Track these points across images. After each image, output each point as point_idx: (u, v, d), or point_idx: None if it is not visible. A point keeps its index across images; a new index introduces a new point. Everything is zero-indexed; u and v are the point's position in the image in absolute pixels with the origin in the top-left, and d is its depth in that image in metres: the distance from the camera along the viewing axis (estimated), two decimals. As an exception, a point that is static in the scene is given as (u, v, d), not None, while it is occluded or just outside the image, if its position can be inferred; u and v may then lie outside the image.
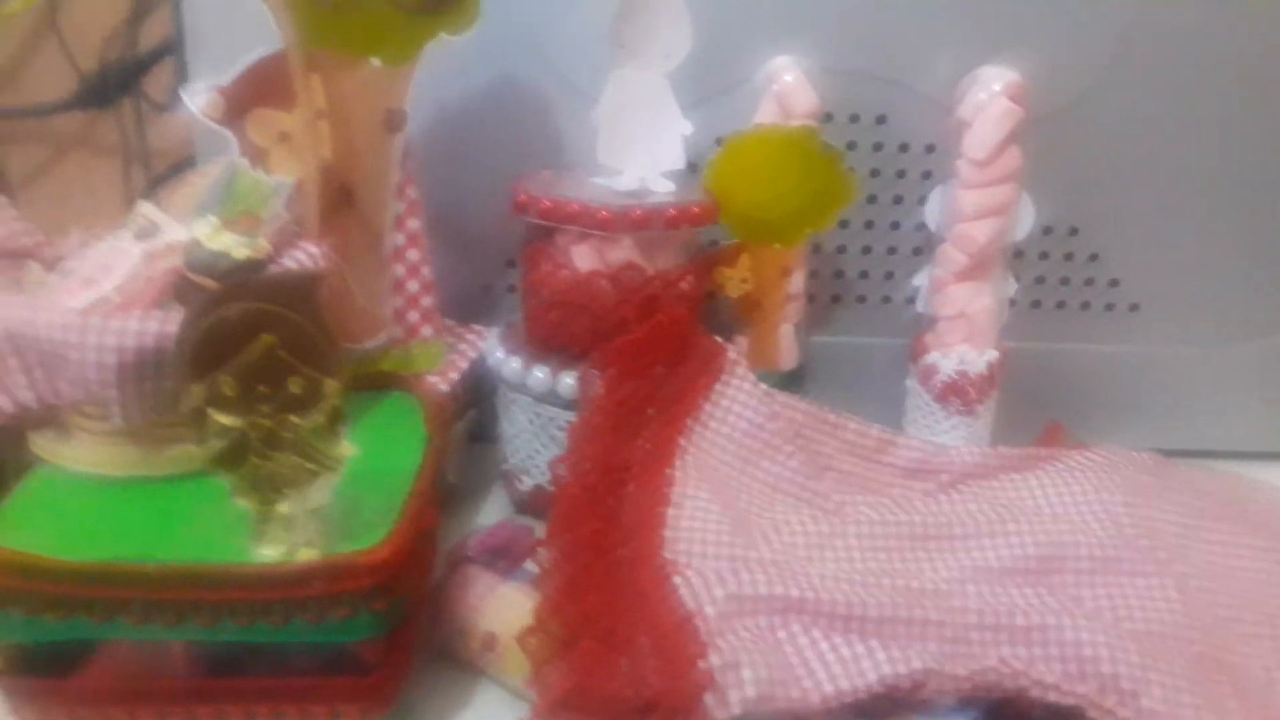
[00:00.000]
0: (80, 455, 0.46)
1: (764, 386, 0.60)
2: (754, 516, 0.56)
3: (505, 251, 0.72)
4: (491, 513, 0.68)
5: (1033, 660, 0.49)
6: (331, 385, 0.39)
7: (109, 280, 0.44)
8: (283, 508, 0.41)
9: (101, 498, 0.46)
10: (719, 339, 0.62)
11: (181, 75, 0.84)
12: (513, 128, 0.69)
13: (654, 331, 0.58)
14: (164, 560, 0.41)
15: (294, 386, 0.38)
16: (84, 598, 0.40)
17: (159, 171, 0.90)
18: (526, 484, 0.65)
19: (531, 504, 0.65)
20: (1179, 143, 0.69)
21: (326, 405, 0.39)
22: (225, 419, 0.38)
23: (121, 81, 0.89)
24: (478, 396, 0.68)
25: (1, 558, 0.41)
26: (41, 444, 0.47)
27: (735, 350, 0.61)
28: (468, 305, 0.72)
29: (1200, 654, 0.50)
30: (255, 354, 0.37)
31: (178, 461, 0.46)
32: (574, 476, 0.54)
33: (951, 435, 0.69)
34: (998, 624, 0.50)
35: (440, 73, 0.60)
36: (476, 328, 0.70)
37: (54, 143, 0.97)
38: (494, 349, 0.64)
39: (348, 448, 0.40)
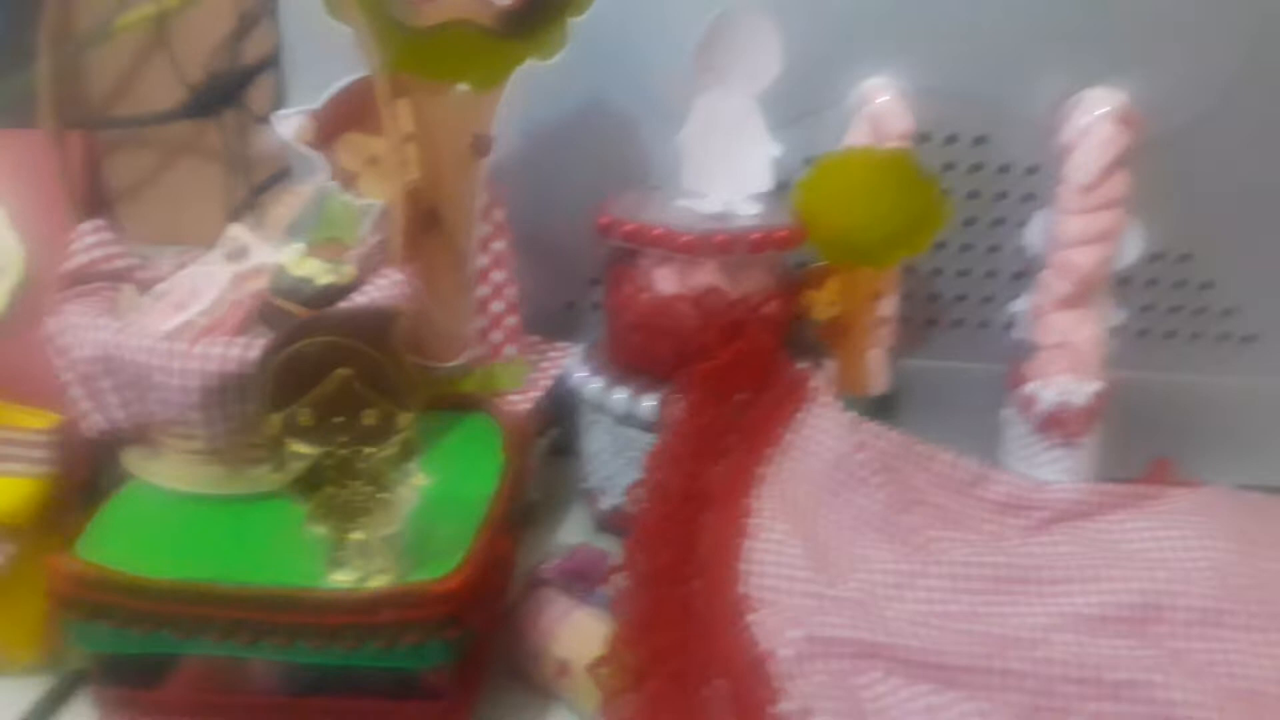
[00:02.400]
0: (168, 472, 0.48)
1: (851, 415, 0.59)
2: (834, 551, 0.54)
3: (590, 269, 0.72)
4: (573, 529, 0.67)
5: (1121, 718, 0.46)
6: (405, 417, 0.39)
7: (196, 304, 0.45)
8: (356, 535, 0.41)
9: (186, 514, 0.47)
10: (805, 364, 0.60)
11: (279, 90, 0.87)
12: (599, 148, 0.69)
13: (737, 357, 0.57)
14: (241, 581, 0.42)
15: (369, 418, 0.39)
16: (166, 614, 0.42)
17: (259, 180, 0.92)
18: (606, 503, 0.65)
19: (611, 523, 0.65)
20: (1303, 166, 0.66)
21: (400, 436, 0.39)
22: (302, 448, 0.39)
23: (225, 93, 0.91)
24: (561, 413, 0.68)
25: (91, 572, 0.42)
26: (133, 460, 0.48)
27: (819, 378, 0.59)
28: (552, 322, 0.72)
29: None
30: (331, 387, 0.38)
31: (260, 481, 0.47)
32: (651, 504, 0.54)
33: (1051, 468, 0.66)
34: (1085, 677, 0.47)
35: (526, 92, 0.60)
36: (561, 345, 0.70)
37: (162, 151, 1.00)
38: (576, 368, 0.64)
39: (420, 478, 0.41)
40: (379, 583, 0.42)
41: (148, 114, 0.95)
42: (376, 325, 0.38)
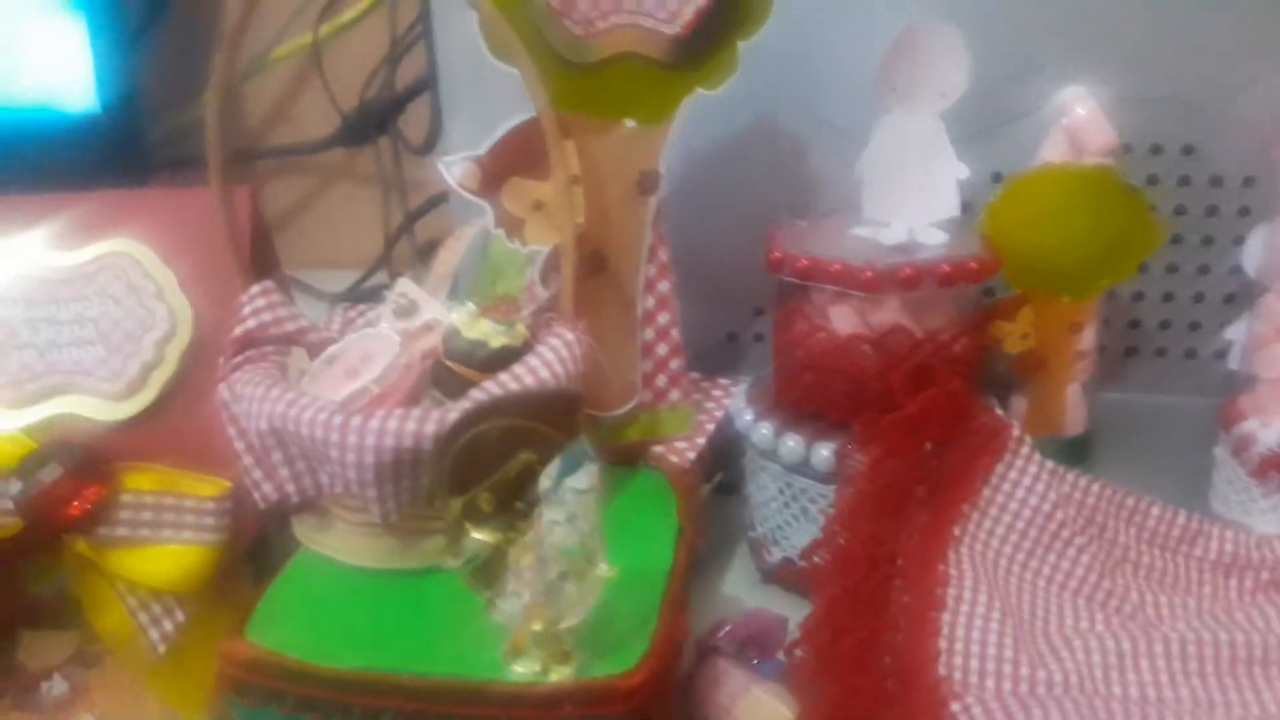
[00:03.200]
0: (339, 544, 0.47)
1: (1051, 465, 0.54)
2: (1039, 624, 0.49)
3: (753, 299, 0.68)
4: (737, 580, 0.64)
5: None
6: (591, 502, 0.36)
7: (369, 371, 0.44)
8: (536, 625, 0.39)
9: (358, 590, 0.46)
10: (998, 407, 0.55)
11: (436, 115, 0.86)
12: (764, 171, 0.65)
13: (926, 406, 0.53)
14: (420, 671, 0.40)
15: (553, 507, 0.36)
16: (340, 703, 0.40)
17: (416, 206, 0.92)
18: (775, 555, 0.61)
19: (780, 576, 0.61)
20: None
21: (586, 525, 0.37)
22: (482, 534, 0.37)
23: (379, 120, 0.91)
24: (726, 455, 0.64)
25: (263, 658, 0.41)
26: (303, 530, 0.48)
27: (1019, 427, 0.54)
28: (713, 356, 0.69)
29: None
30: (514, 471, 0.36)
31: (434, 555, 0.46)
32: (833, 572, 0.50)
33: (1270, 517, 0.59)
34: (1352, 785, 0.41)
35: (691, 115, 0.57)
36: (723, 382, 0.67)
37: (318, 177, 1.02)
38: (742, 411, 0.61)
39: (605, 568, 0.38)
40: (560, 674, 0.39)
41: (303, 142, 0.96)
42: (560, 406, 0.36)
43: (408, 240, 0.92)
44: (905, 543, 0.51)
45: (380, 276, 0.94)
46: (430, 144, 0.86)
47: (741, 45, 0.55)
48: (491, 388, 0.43)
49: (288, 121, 1.01)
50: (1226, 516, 0.60)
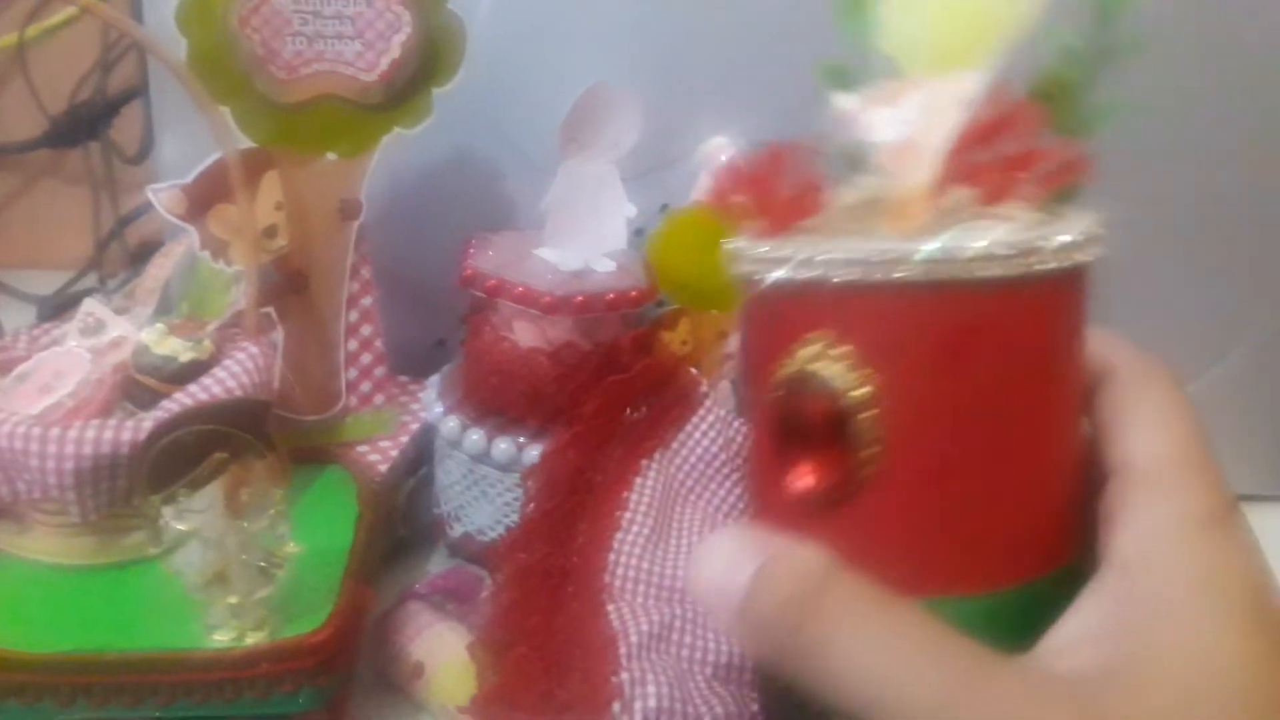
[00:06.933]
0: (38, 546, 0.50)
1: (724, 414, 0.63)
2: (685, 539, 0.59)
3: (459, 308, 0.75)
4: (441, 557, 0.71)
5: None
6: (278, 494, 0.43)
7: (63, 386, 0.48)
8: (231, 599, 0.45)
9: (61, 585, 0.49)
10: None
11: (148, 124, 0.87)
12: (464, 194, 0.72)
13: (644, 369, 0.61)
14: (124, 648, 0.45)
15: (244, 496, 0.42)
16: (50, 685, 0.44)
17: (128, 210, 0.93)
18: (456, 531, 0.68)
19: (461, 549, 0.68)
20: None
21: (273, 510, 0.43)
22: (181, 525, 0.42)
23: (89, 125, 0.91)
24: (429, 449, 0.71)
25: (-30, 652, 0.44)
26: (-1, 536, 0.51)
27: (707, 384, 0.64)
28: (423, 360, 0.75)
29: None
30: (208, 470, 0.41)
31: (130, 549, 0.50)
32: (535, 501, 0.57)
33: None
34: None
35: (398, 144, 0.63)
36: (429, 384, 0.73)
37: (23, 176, 0.99)
38: (433, 404, 0.67)
39: (292, 546, 0.45)
40: (254, 639, 0.46)
41: (6, 143, 0.94)
42: (248, 413, 0.42)
43: (118, 244, 0.92)
44: (600, 476, 0.59)
45: (90, 279, 0.93)
46: (144, 153, 0.87)
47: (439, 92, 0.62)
48: (182, 398, 0.49)
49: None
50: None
